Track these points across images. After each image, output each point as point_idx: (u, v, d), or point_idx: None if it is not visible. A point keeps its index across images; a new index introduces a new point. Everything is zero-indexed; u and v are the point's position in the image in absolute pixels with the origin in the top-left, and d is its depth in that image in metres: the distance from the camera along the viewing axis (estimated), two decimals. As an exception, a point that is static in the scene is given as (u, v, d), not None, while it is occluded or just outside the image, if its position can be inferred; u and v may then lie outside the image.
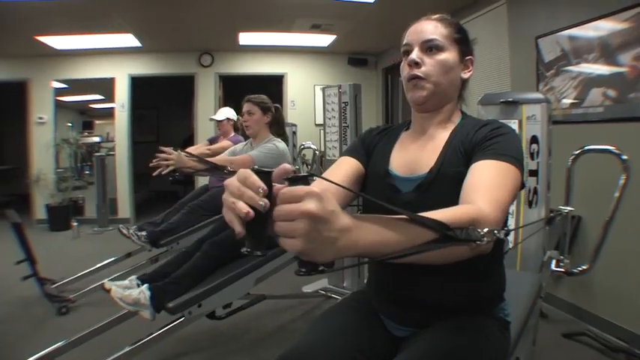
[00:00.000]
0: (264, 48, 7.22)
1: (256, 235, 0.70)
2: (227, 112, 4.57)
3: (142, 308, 2.25)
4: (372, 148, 1.36)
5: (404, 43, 1.27)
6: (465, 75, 1.30)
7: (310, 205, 0.62)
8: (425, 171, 1.18)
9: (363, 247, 0.72)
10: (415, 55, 1.22)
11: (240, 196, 0.65)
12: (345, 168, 1.30)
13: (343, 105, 3.88)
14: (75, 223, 6.51)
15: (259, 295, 3.04)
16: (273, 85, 7.65)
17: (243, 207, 0.64)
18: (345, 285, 3.97)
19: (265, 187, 0.66)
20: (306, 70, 7.68)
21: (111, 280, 2.54)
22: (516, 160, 1.07)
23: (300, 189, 0.64)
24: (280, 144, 3.05)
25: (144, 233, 3.70)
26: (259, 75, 7.61)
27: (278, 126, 3.22)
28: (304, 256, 0.67)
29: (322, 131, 7.17)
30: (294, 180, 0.68)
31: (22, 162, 7.55)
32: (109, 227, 6.83)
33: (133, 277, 2.47)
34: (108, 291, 2.33)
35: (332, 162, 3.95)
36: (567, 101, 3.51)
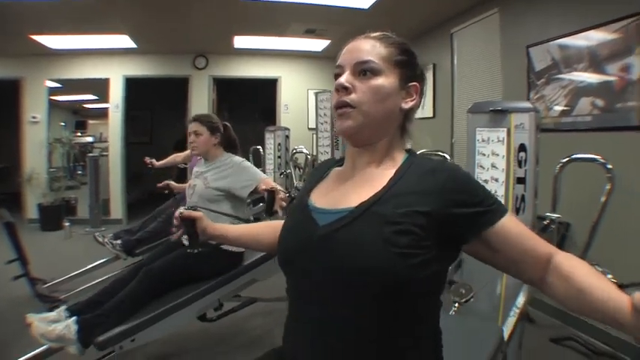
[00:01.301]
0: (259, 52, 7.25)
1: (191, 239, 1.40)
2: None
3: (68, 344, 2.11)
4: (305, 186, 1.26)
5: (336, 64, 1.09)
6: (407, 105, 1.07)
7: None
8: (351, 205, 0.99)
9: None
10: (344, 78, 1.03)
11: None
12: None
13: (335, 110, 3.90)
14: (67, 224, 6.48)
15: (250, 298, 3.06)
16: (266, 89, 7.71)
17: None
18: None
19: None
20: (299, 74, 7.72)
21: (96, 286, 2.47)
22: (499, 201, 1.01)
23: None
24: (236, 157, 2.88)
25: (119, 242, 3.74)
26: (253, 78, 7.66)
27: (229, 145, 2.98)
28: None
29: (315, 136, 7.25)
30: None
31: (15, 161, 7.51)
32: (102, 228, 6.79)
33: (62, 308, 2.29)
34: (29, 325, 2.16)
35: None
36: (557, 109, 3.56)
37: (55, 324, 2.14)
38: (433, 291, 1.01)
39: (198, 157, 3.06)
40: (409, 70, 1.07)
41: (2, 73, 7.21)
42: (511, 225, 0.96)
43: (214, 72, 7.52)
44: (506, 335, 1.78)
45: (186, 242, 1.00)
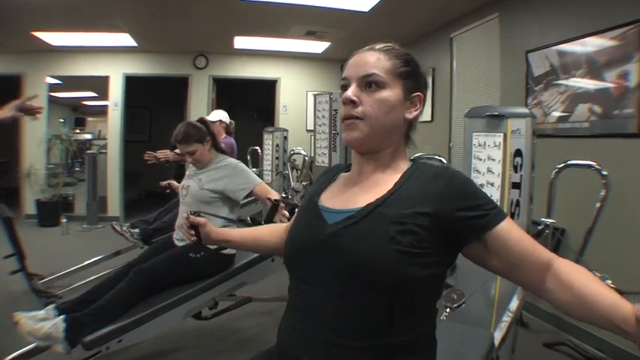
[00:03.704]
0: (259, 52, 7.27)
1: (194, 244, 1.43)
2: (220, 114, 4.61)
3: (55, 342, 2.09)
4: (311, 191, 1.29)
5: (342, 77, 1.14)
6: (410, 115, 1.12)
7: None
8: (358, 206, 1.05)
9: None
10: (351, 92, 1.08)
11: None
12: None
13: (334, 112, 3.93)
14: (64, 220, 6.49)
15: (245, 297, 3.07)
16: (265, 90, 7.72)
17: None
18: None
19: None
20: (299, 75, 7.74)
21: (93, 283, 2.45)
22: (499, 207, 1.05)
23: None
24: (231, 159, 2.88)
25: (137, 230, 3.77)
26: (253, 79, 7.67)
27: (215, 142, 2.93)
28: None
29: (313, 137, 7.24)
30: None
31: (14, 156, 7.52)
32: (98, 225, 6.82)
33: (52, 306, 2.27)
34: (16, 322, 2.14)
35: (321, 168, 4.04)
36: (555, 115, 3.58)
37: (43, 322, 2.12)
38: (431, 293, 1.05)
39: None
40: (413, 81, 1.12)
41: (4, 68, 7.23)
42: (511, 229, 1.00)
43: (214, 72, 7.53)
44: (497, 340, 1.79)
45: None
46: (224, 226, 1.91)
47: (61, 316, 2.14)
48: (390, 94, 1.08)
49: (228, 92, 8.06)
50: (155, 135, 9.90)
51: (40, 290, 3.58)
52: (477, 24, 4.69)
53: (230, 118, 4.71)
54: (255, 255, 2.80)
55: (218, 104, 7.51)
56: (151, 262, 2.51)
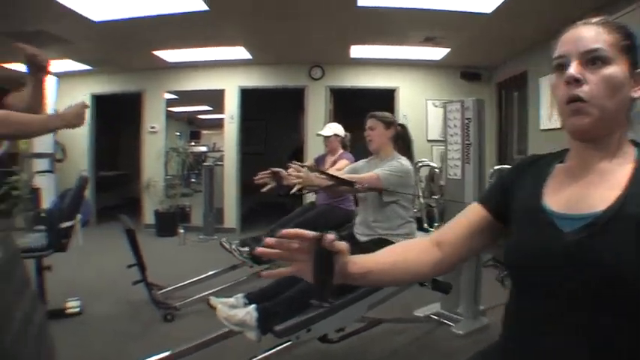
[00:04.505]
0: (376, 61, 7.02)
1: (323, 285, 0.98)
2: (335, 128, 4.37)
3: (248, 329, 2.21)
4: (514, 186, 1.14)
5: (556, 54, 1.00)
6: (636, 94, 0.98)
7: None
8: (596, 209, 0.90)
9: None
10: (574, 69, 0.94)
11: None
12: (468, 217, 1.19)
13: (467, 121, 3.60)
14: (181, 230, 6.65)
15: (375, 319, 2.87)
16: (383, 99, 7.39)
17: None
18: (458, 310, 3.64)
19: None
20: (417, 84, 7.36)
21: (216, 296, 2.52)
22: None
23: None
24: (405, 162, 2.84)
25: (246, 249, 3.70)
26: (370, 88, 7.40)
27: (403, 143, 3.01)
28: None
29: (434, 147, 6.89)
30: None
31: (134, 168, 7.91)
32: (214, 236, 6.86)
33: (240, 295, 2.44)
34: (213, 308, 2.32)
35: (453, 182, 3.69)
36: None
37: (236, 309, 2.27)
38: None
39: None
40: (636, 56, 0.98)
41: (127, 86, 7.75)
42: None
43: (330, 82, 7.37)
44: None
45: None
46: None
47: (253, 305, 2.27)
48: (617, 70, 0.94)
49: (344, 103, 7.89)
50: (270, 147, 10.04)
51: (159, 301, 3.60)
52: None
53: (347, 130, 4.48)
54: None
55: (335, 115, 7.36)
56: None
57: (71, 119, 1.80)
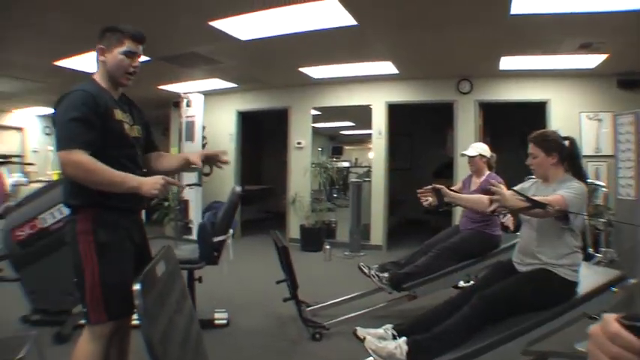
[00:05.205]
0: (526, 72, 6.49)
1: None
2: (480, 148, 4.04)
3: None
4: None
5: None
6: None
7: None
8: None
9: None
10: None
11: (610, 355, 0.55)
12: None
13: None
14: (327, 246, 6.64)
15: (539, 351, 2.53)
16: (534, 114, 6.80)
17: None
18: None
19: None
20: (569, 95, 6.61)
21: (362, 322, 2.56)
22: None
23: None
24: (578, 184, 2.49)
25: (386, 275, 3.62)
26: (520, 102, 6.84)
27: (572, 162, 2.62)
28: None
29: (590, 163, 6.15)
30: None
31: (277, 183, 8.17)
32: (361, 252, 6.82)
33: (389, 325, 2.40)
34: (361, 340, 2.28)
35: (625, 202, 3.17)
36: None
37: (385, 341, 2.24)
38: None
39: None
40: None
41: (272, 103, 8.13)
42: None
43: (479, 96, 6.94)
44: None
45: None
46: None
47: (403, 338, 2.24)
48: None
49: (493, 118, 7.40)
50: (415, 163, 9.85)
51: (307, 319, 3.60)
52: None
53: (494, 146, 4.16)
54: (599, 284, 2.55)
55: (484, 131, 6.94)
56: (494, 288, 2.41)
57: (148, 188, 1.84)
